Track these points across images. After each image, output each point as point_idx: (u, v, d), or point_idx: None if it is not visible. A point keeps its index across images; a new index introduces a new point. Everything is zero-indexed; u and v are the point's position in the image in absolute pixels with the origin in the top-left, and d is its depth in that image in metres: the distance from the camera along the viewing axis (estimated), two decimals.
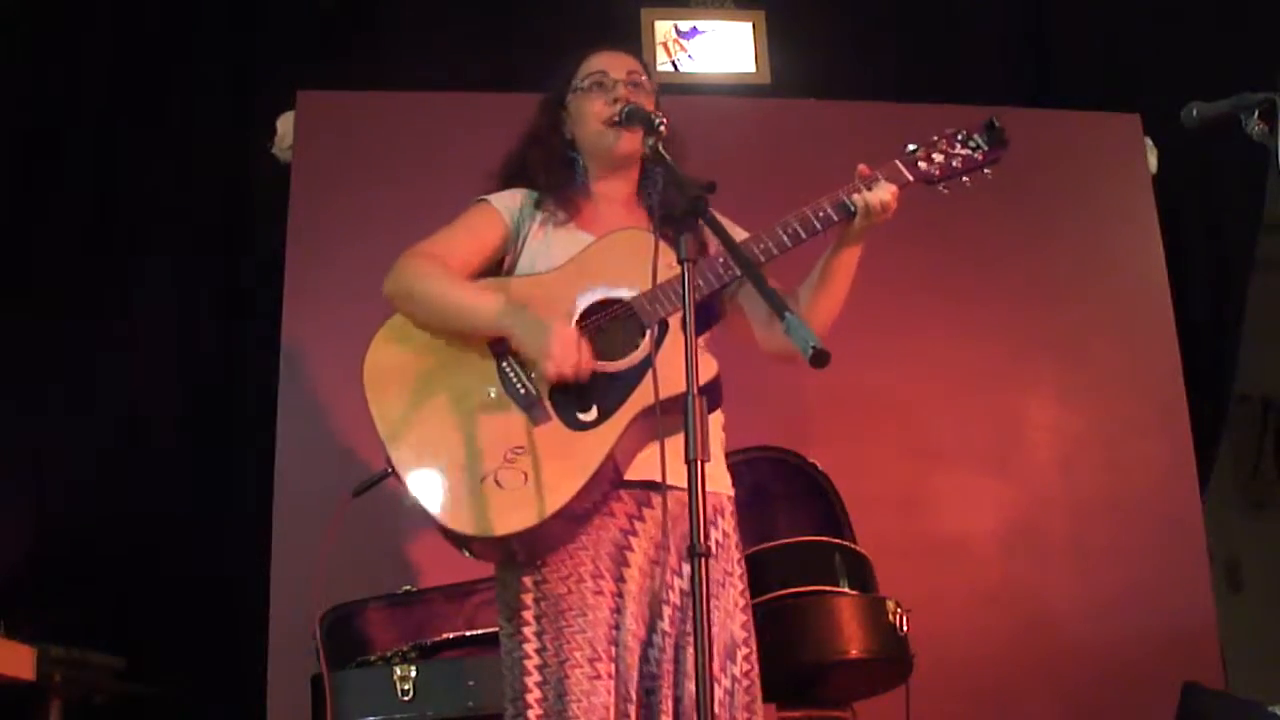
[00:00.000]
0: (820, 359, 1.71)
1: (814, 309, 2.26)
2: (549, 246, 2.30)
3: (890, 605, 2.95)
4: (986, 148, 2.24)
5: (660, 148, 2.08)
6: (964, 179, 2.25)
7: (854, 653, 2.87)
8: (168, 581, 3.79)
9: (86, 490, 3.87)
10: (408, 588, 3.26)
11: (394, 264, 2.27)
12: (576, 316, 2.21)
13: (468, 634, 3.05)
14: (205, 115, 4.21)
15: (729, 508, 2.26)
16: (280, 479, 3.64)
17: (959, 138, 2.25)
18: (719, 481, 2.26)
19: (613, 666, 2.08)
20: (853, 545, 3.12)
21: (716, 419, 2.27)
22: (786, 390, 3.69)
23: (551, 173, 2.36)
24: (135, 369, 4.03)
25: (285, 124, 4.01)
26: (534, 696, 2.09)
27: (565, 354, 2.10)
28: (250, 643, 3.50)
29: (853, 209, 2.18)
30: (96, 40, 4.22)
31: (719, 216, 2.31)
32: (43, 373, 3.93)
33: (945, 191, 2.26)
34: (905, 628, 2.96)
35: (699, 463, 1.78)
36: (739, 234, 2.24)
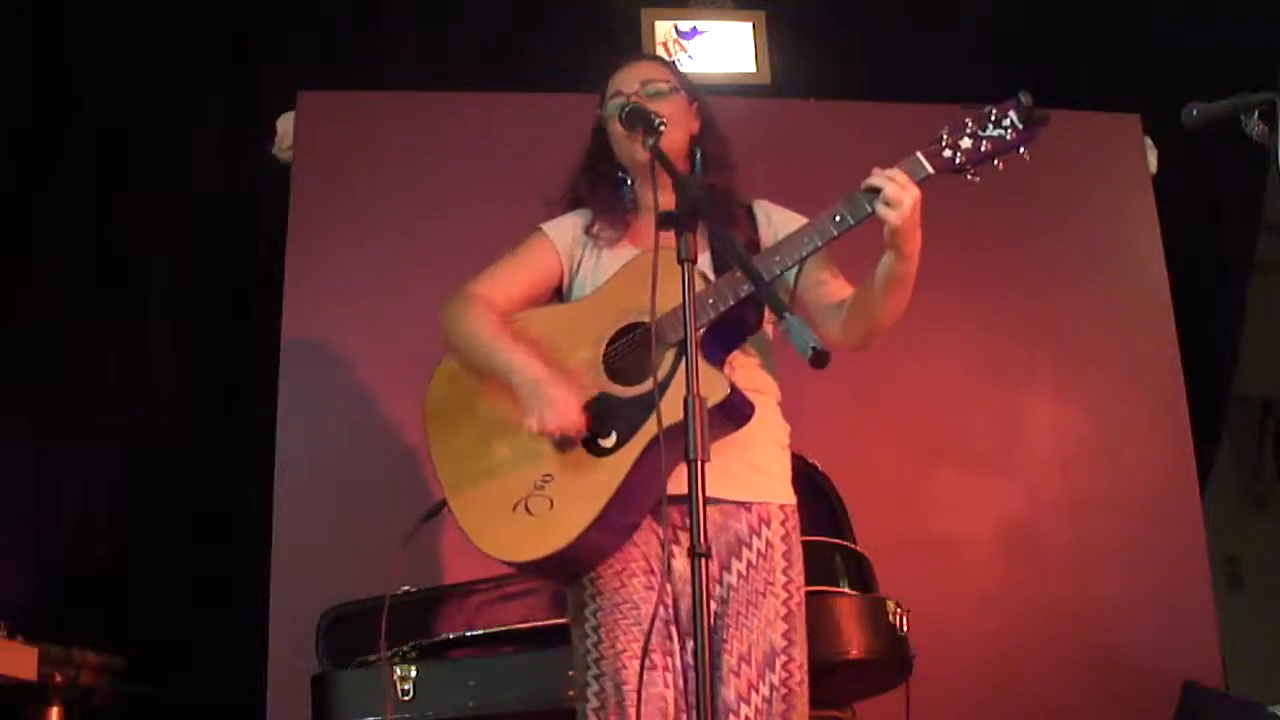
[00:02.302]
0: (820, 359, 1.72)
1: (867, 315, 2.25)
2: (599, 268, 2.34)
3: (890, 605, 2.95)
4: (1021, 126, 2.05)
5: (659, 147, 2.07)
6: (995, 162, 2.09)
7: (854, 653, 2.87)
8: (168, 581, 3.79)
9: (87, 490, 3.87)
10: (408, 588, 3.26)
11: (451, 297, 2.34)
12: (605, 343, 2.24)
13: (468, 634, 3.05)
14: (205, 115, 4.21)
15: (779, 517, 2.28)
16: (280, 479, 3.64)
17: (990, 117, 2.08)
18: (770, 491, 2.30)
19: (668, 660, 2.13)
20: (853, 545, 3.12)
21: (774, 435, 2.38)
22: (786, 391, 3.68)
23: (599, 195, 2.40)
24: (135, 369, 4.03)
25: (285, 124, 4.01)
26: (593, 690, 2.15)
27: (556, 413, 2.14)
28: (250, 643, 3.50)
29: (868, 207, 2.09)
30: (96, 40, 4.22)
31: (774, 207, 2.38)
32: (43, 373, 3.93)
33: (975, 179, 2.10)
34: (905, 628, 2.96)
35: (699, 463, 1.79)
36: (798, 221, 2.22)
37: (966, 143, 2.07)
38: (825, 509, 3.22)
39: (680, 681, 2.13)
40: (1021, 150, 2.07)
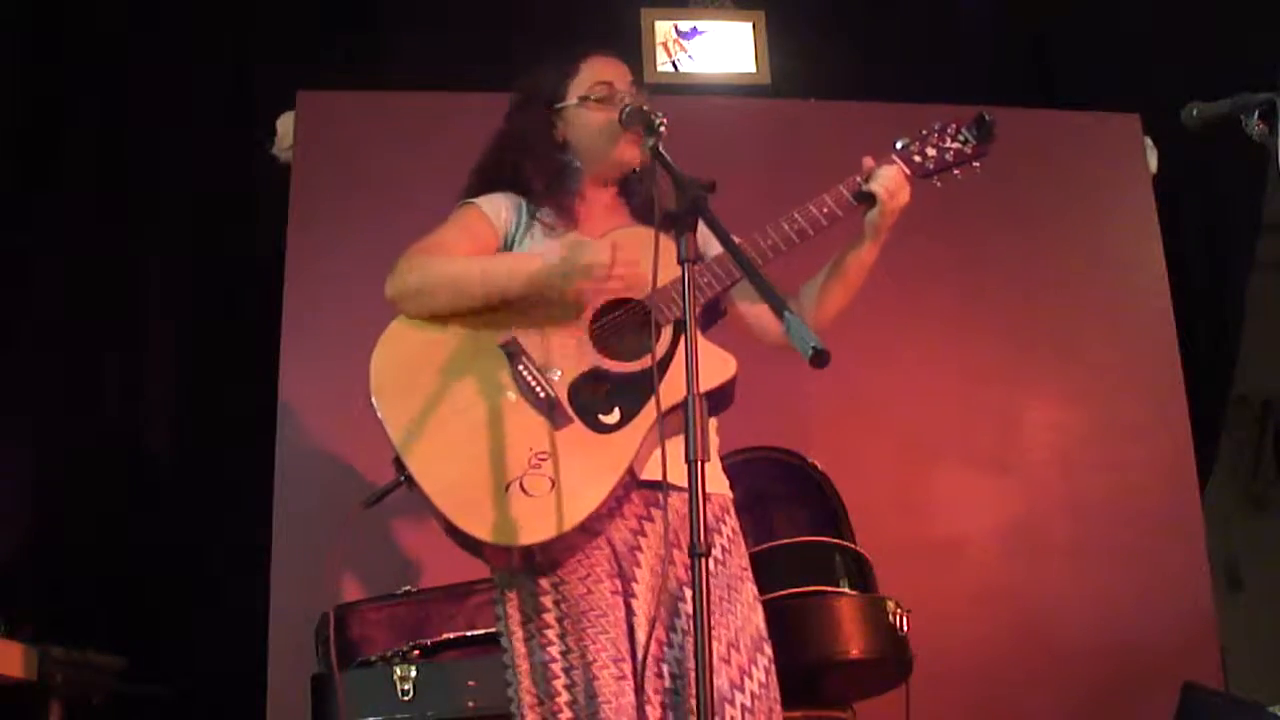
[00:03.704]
0: (820, 359, 1.71)
1: (821, 303, 2.27)
2: (543, 249, 2.27)
3: (890, 605, 2.95)
4: (976, 142, 2.26)
5: (660, 148, 2.07)
6: (955, 172, 2.27)
7: (854, 653, 2.87)
8: (168, 581, 3.79)
9: (86, 490, 3.87)
10: (408, 588, 3.26)
11: (394, 267, 2.25)
12: (590, 316, 2.20)
13: (468, 634, 3.04)
14: (205, 115, 4.21)
15: (731, 508, 2.27)
16: (280, 478, 3.64)
17: (949, 131, 2.27)
18: (720, 483, 2.27)
19: (630, 666, 2.08)
20: (853, 545, 3.12)
21: (711, 422, 2.26)
22: (786, 391, 3.68)
23: (548, 180, 2.33)
24: (135, 369, 4.03)
25: (285, 124, 4.01)
26: (565, 699, 2.08)
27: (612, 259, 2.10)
28: (250, 643, 3.50)
29: (855, 201, 2.19)
30: (96, 40, 4.22)
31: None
32: (43, 372, 3.93)
33: (939, 185, 2.27)
34: (905, 628, 2.96)
35: (699, 463, 1.78)
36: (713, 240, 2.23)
37: (931, 151, 2.26)
38: (825, 509, 3.22)
39: (643, 674, 2.08)
40: (976, 164, 2.27)
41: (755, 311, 2.34)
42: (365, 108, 4.05)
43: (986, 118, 2.25)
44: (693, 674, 2.02)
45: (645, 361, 2.14)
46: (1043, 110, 4.50)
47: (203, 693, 3.67)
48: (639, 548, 2.15)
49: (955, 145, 2.26)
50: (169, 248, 4.13)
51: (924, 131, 2.27)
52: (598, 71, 2.35)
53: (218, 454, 3.93)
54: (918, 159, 2.25)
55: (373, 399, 2.17)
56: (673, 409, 1.97)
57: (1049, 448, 4.08)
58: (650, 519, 2.17)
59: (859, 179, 2.22)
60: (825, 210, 2.21)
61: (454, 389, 2.15)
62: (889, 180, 2.19)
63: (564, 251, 2.15)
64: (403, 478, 2.13)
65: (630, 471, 2.10)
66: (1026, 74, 4.77)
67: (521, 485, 2.06)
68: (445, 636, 3.04)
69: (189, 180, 4.16)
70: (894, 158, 2.24)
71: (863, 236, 2.23)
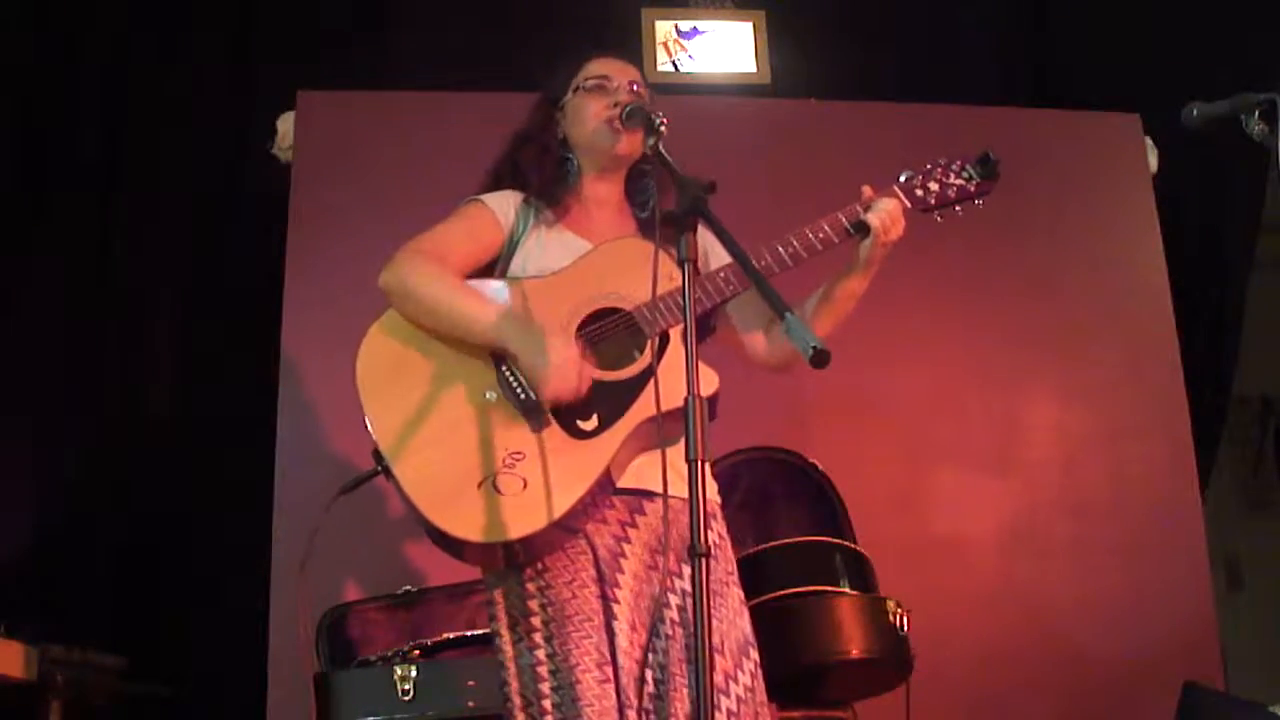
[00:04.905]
0: (820, 359, 1.71)
1: (811, 326, 2.27)
2: (542, 249, 2.30)
3: (891, 605, 2.96)
4: (979, 179, 2.27)
5: (661, 148, 2.07)
6: (956, 208, 2.28)
7: (855, 653, 2.87)
8: (168, 581, 3.79)
9: (86, 490, 3.87)
10: (408, 588, 3.26)
11: (392, 257, 2.26)
12: (576, 324, 2.20)
13: (468, 634, 3.05)
14: (205, 115, 4.21)
15: (719, 513, 2.27)
16: (280, 479, 3.64)
17: (953, 167, 2.28)
18: (709, 487, 2.26)
19: (612, 670, 2.09)
20: (853, 545, 3.12)
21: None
22: (786, 391, 3.69)
23: (543, 172, 2.36)
24: (135, 368, 4.03)
25: (285, 124, 4.01)
26: (551, 702, 2.09)
27: (565, 377, 2.10)
28: (250, 643, 3.50)
29: (853, 231, 2.20)
30: (96, 40, 4.23)
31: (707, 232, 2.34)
32: (43, 372, 3.93)
33: (939, 219, 2.28)
34: (905, 628, 2.96)
35: (700, 463, 1.78)
36: (723, 257, 2.24)
37: (934, 185, 2.27)
38: (826, 509, 3.22)
39: (627, 679, 2.08)
40: (978, 201, 2.29)
41: (744, 331, 2.37)
42: (365, 108, 4.05)
43: (991, 156, 2.25)
44: (677, 678, 2.07)
45: (627, 371, 2.16)
46: (1043, 110, 4.50)
47: (203, 693, 3.67)
48: (623, 554, 2.16)
49: (958, 181, 2.27)
50: (169, 248, 4.13)
51: (927, 166, 2.27)
52: (596, 68, 2.38)
53: (217, 454, 3.93)
54: (919, 193, 2.25)
55: (358, 391, 2.19)
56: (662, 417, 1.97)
57: (1049, 448, 4.08)
58: (634, 525, 2.18)
59: (858, 208, 2.22)
60: (821, 236, 2.21)
61: (438, 385, 2.17)
62: (886, 214, 2.19)
63: (525, 348, 2.13)
64: (380, 468, 2.16)
65: (606, 476, 2.11)
66: (1026, 74, 4.77)
67: (495, 484, 2.08)
68: (445, 636, 3.04)
69: (189, 180, 4.16)
70: (895, 190, 2.25)
71: (853, 266, 2.24)
